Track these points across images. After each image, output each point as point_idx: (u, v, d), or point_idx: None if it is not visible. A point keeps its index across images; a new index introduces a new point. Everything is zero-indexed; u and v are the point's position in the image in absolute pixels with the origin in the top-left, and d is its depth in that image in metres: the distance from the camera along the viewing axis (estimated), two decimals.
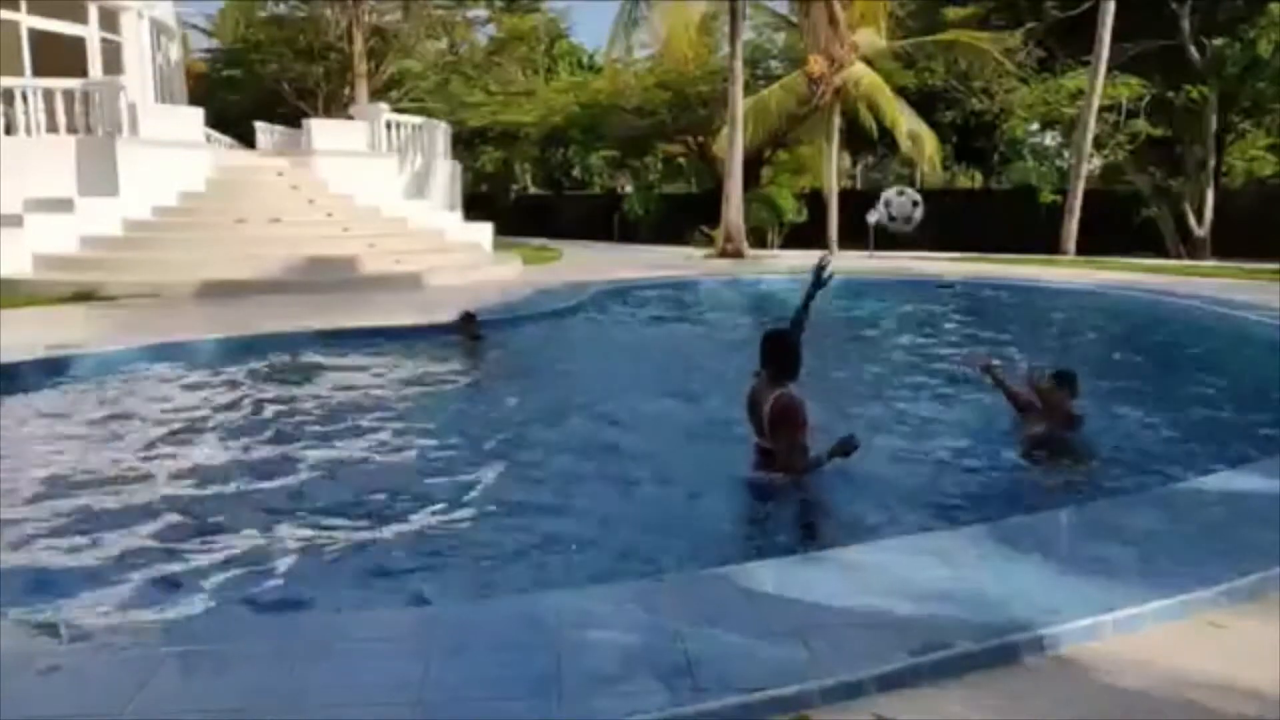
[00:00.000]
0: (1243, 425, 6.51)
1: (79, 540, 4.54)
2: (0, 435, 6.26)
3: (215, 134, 20.69)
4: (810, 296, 5.59)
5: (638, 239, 29.41)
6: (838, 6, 21.96)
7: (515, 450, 6.21)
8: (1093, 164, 23.88)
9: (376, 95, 29.50)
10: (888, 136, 24.34)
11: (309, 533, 4.72)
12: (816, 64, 22.13)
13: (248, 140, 22.06)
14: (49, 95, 15.07)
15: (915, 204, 5.91)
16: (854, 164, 36.22)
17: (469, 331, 9.60)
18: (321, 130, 18.70)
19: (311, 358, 9.08)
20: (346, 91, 31.77)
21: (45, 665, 2.90)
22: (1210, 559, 3.60)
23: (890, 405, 7.33)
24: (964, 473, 5.69)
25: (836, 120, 22.92)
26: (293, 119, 23.62)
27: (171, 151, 15.63)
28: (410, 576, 4.27)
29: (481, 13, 36.21)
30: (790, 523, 4.87)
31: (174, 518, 4.88)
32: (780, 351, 5.03)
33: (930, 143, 23.84)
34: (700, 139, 30.63)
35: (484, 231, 19.61)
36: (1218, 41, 23.03)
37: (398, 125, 19.53)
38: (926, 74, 26.05)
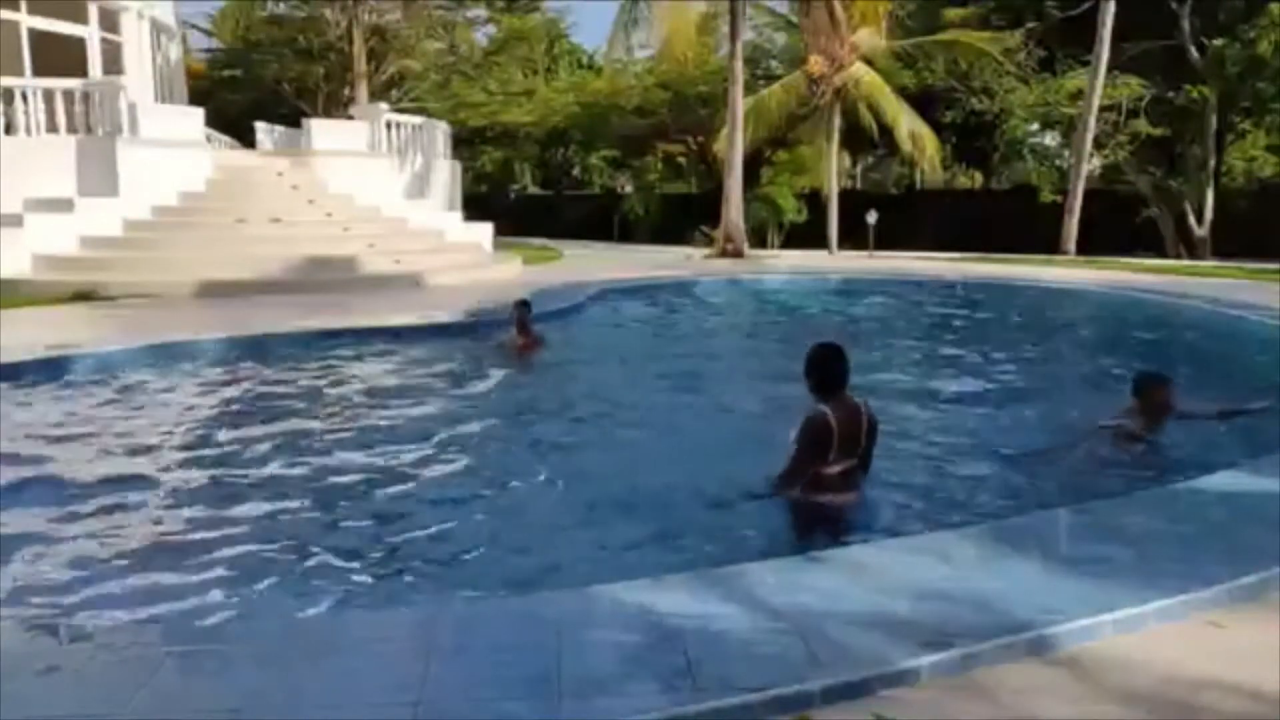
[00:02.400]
0: (1246, 424, 6.49)
1: (78, 540, 4.54)
2: (0, 435, 6.26)
3: (215, 134, 20.69)
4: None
5: (638, 239, 29.44)
6: (838, 6, 21.98)
7: (523, 450, 6.22)
8: (1093, 164, 23.87)
9: (376, 95, 29.47)
10: (888, 136, 24.35)
11: (310, 532, 4.73)
12: (816, 64, 22.15)
13: (248, 140, 22.05)
14: (49, 95, 15.07)
15: None
16: (854, 164, 36.20)
17: (521, 323, 9.10)
18: (321, 130, 18.70)
19: (312, 357, 9.07)
20: (346, 91, 31.72)
21: (45, 665, 2.90)
22: (1210, 559, 3.60)
23: (903, 405, 7.32)
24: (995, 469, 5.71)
25: (836, 120, 22.93)
26: (293, 119, 23.60)
27: (171, 151, 15.63)
28: (411, 577, 4.27)
29: (481, 13, 36.18)
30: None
31: (173, 518, 4.89)
32: (845, 361, 4.75)
33: (931, 143, 23.86)
34: (700, 139, 30.64)
35: (484, 231, 19.61)
36: (1218, 41, 23.04)
37: (398, 125, 19.53)
38: (926, 74, 26.06)
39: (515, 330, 9.22)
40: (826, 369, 4.70)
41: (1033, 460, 5.84)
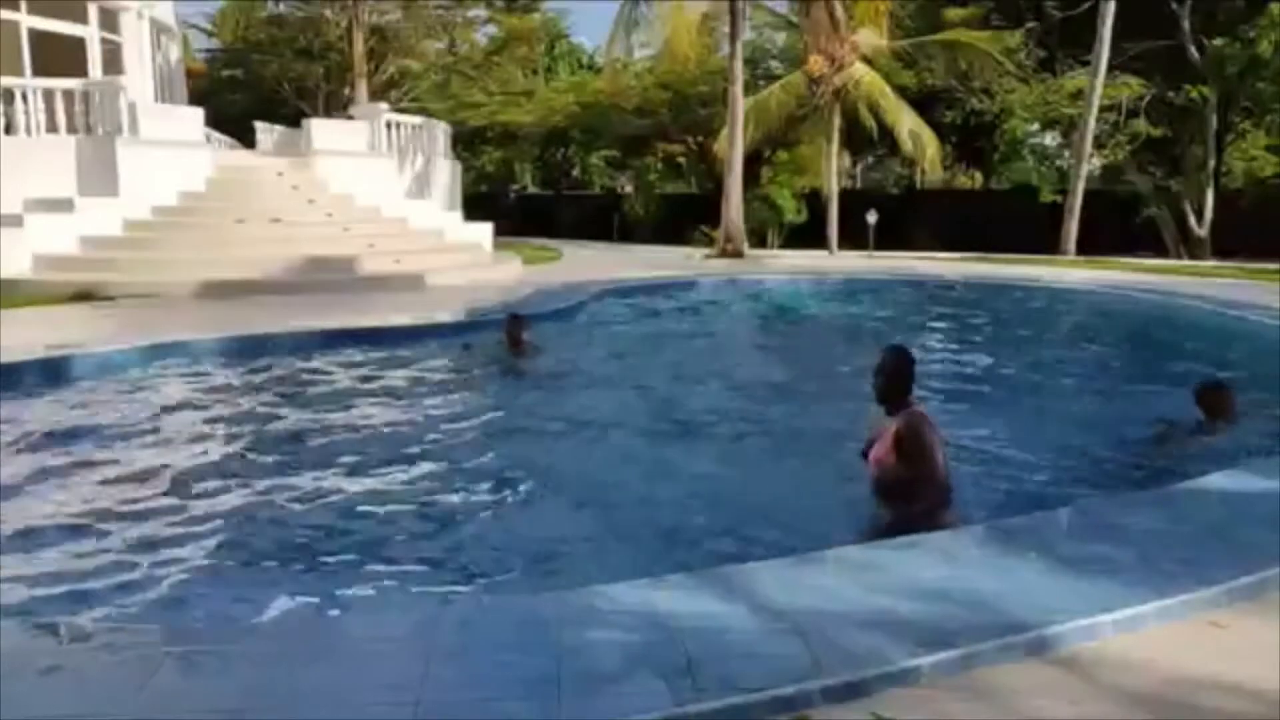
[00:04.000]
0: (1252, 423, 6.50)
1: (79, 540, 4.55)
2: (0, 435, 6.26)
3: (215, 134, 20.68)
4: None
5: (638, 239, 29.42)
6: (838, 6, 21.97)
7: (520, 451, 6.22)
8: (1093, 164, 23.88)
9: (376, 95, 29.47)
10: (888, 136, 24.34)
11: (309, 532, 4.73)
12: (816, 64, 22.13)
13: (248, 140, 22.05)
14: (49, 95, 15.06)
15: None
16: (854, 164, 36.18)
17: (513, 336, 9.04)
18: (321, 130, 18.69)
19: (312, 358, 9.07)
20: (346, 91, 31.75)
21: (45, 665, 2.89)
22: (1210, 559, 3.60)
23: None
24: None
25: (836, 120, 22.91)
26: (293, 119, 23.61)
27: (171, 151, 15.62)
28: (411, 577, 4.28)
29: (481, 13, 36.21)
30: None
31: (173, 518, 4.88)
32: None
33: (931, 143, 23.84)
34: (700, 139, 30.63)
35: (484, 231, 19.61)
36: (1218, 41, 23.04)
37: (398, 125, 19.52)
38: (926, 74, 26.06)
39: (508, 343, 9.19)
40: (909, 371, 4.58)
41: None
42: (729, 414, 7.16)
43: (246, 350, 9.13)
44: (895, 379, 4.58)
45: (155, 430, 6.63)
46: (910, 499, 4.43)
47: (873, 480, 4.67)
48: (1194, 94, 23.74)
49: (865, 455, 4.77)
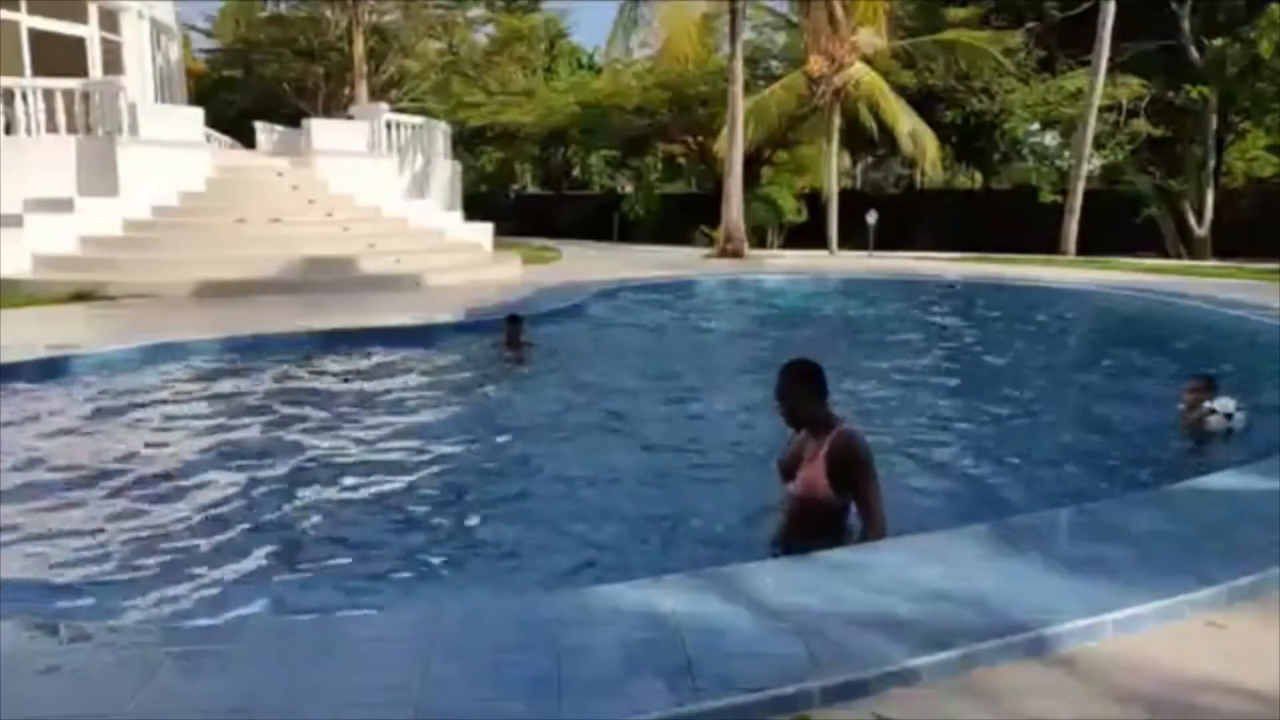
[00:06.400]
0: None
1: (78, 540, 4.54)
2: (0, 435, 6.26)
3: (215, 134, 20.68)
4: None
5: (637, 239, 29.41)
6: (838, 6, 21.96)
7: (519, 452, 6.21)
8: (1093, 164, 23.88)
9: (376, 95, 29.50)
10: (888, 136, 24.34)
11: (309, 532, 4.73)
12: (816, 64, 22.13)
13: (248, 140, 22.05)
14: (49, 95, 15.06)
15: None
16: (854, 164, 36.16)
17: (511, 337, 9.09)
18: (321, 130, 18.68)
19: (311, 358, 9.07)
20: (346, 91, 31.79)
21: (45, 665, 2.90)
22: (1210, 559, 3.60)
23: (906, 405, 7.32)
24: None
25: (836, 120, 22.92)
26: (293, 119, 23.61)
27: (171, 151, 15.62)
28: (411, 577, 4.28)
29: (481, 12, 36.23)
30: None
31: (173, 518, 4.88)
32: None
33: (931, 143, 23.86)
34: (700, 139, 30.62)
35: (484, 231, 19.61)
36: (1218, 41, 23.05)
37: (398, 125, 19.52)
38: (926, 74, 26.05)
39: (506, 344, 9.20)
40: (815, 383, 4.11)
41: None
42: (728, 414, 7.16)
43: (246, 350, 9.14)
44: (801, 397, 4.08)
45: (154, 430, 6.64)
46: (837, 534, 3.94)
47: (796, 502, 4.12)
48: (1194, 94, 23.74)
49: (786, 473, 4.22)
